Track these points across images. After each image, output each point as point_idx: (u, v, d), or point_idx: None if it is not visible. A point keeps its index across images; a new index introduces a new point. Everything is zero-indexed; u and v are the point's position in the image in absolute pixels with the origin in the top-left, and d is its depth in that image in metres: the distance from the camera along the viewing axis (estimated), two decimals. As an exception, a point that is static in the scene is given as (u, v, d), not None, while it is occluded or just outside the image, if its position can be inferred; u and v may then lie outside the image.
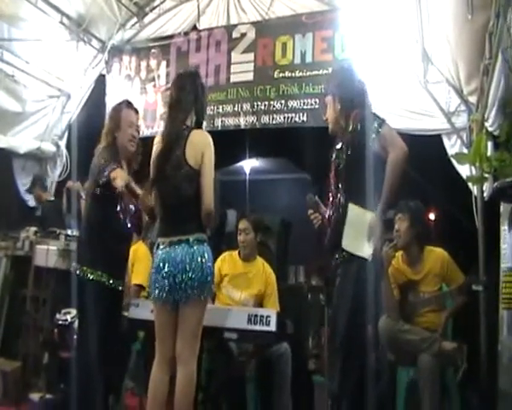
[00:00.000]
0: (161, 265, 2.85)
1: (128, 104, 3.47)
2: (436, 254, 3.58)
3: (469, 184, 3.58)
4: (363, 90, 2.95)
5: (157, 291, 2.84)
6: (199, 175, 2.83)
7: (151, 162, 2.95)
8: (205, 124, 4.79)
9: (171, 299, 2.81)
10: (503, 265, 3.13)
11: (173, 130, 2.91)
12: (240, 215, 4.27)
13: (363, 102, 2.89)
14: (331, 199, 2.93)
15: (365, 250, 2.71)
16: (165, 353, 2.85)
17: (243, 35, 4.89)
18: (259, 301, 3.94)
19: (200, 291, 2.80)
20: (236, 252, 4.13)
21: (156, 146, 2.98)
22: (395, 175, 2.69)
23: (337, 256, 2.83)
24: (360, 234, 2.71)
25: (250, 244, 4.05)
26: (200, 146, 2.86)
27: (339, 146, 2.89)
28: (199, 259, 2.81)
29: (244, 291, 3.95)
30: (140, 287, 4.05)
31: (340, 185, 2.85)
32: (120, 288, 3.28)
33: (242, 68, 4.86)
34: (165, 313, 2.87)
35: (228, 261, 4.12)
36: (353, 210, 2.75)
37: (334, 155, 2.92)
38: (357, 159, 2.74)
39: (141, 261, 4.13)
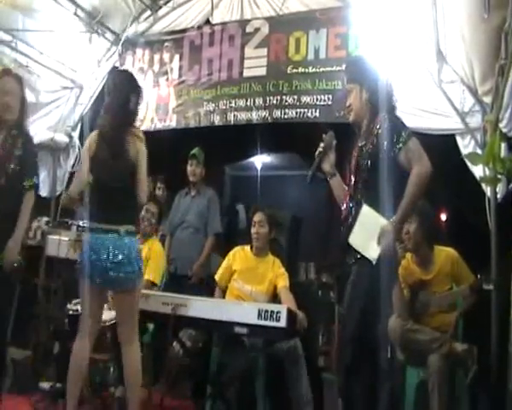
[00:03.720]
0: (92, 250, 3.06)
1: (5, 72, 3.55)
2: (446, 254, 3.58)
3: (483, 185, 3.58)
4: (393, 94, 2.92)
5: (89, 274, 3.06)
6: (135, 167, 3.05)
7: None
8: (218, 118, 4.96)
9: (100, 284, 3.07)
10: (516, 266, 3.12)
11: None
12: (255, 208, 4.22)
13: (392, 107, 2.86)
14: (349, 195, 2.89)
15: (371, 252, 2.68)
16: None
17: (257, 30, 4.90)
18: (270, 296, 3.95)
19: (131, 282, 3.05)
20: (249, 247, 4.14)
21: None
22: (417, 190, 2.66)
23: (352, 254, 2.78)
24: (369, 235, 2.68)
25: (263, 237, 4.05)
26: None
27: (362, 143, 2.84)
28: (127, 251, 3.02)
29: (255, 286, 3.97)
30: (152, 283, 4.10)
31: (360, 183, 2.81)
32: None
33: (255, 63, 4.87)
34: (94, 294, 3.13)
35: (239, 256, 4.13)
36: (366, 211, 2.72)
37: (356, 152, 2.87)
38: (380, 163, 2.69)
39: (155, 259, 4.21)
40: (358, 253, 2.74)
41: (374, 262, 2.66)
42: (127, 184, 3.06)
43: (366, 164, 2.78)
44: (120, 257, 3.00)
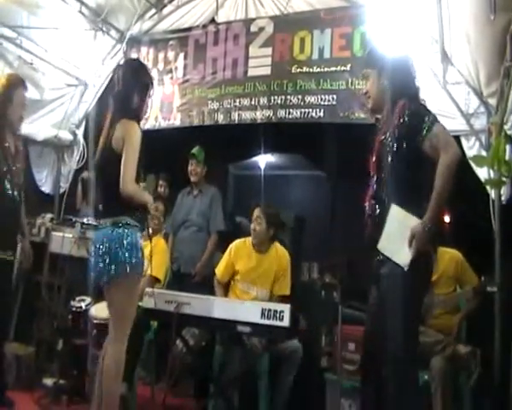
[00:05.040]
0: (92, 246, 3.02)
1: (23, 83, 3.69)
2: (450, 256, 3.59)
3: (487, 187, 3.58)
4: (416, 78, 2.73)
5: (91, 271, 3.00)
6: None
7: None
8: (222, 117, 4.96)
9: (98, 279, 2.96)
10: (519, 269, 3.13)
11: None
12: (255, 204, 4.18)
13: (414, 92, 2.68)
14: (372, 192, 2.70)
15: (403, 257, 2.47)
16: None
17: (261, 29, 4.88)
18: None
19: (116, 273, 2.85)
20: (250, 240, 4.11)
21: None
22: (447, 181, 2.42)
23: (381, 254, 2.60)
24: (399, 239, 2.47)
25: (260, 235, 4.02)
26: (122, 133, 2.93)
27: (384, 136, 2.65)
28: (114, 242, 2.87)
29: (259, 287, 3.97)
30: (155, 279, 4.11)
31: (383, 180, 2.62)
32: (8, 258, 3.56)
33: (260, 62, 4.86)
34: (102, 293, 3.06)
35: (241, 252, 4.09)
36: (395, 212, 2.53)
37: (377, 146, 2.69)
38: (402, 155, 2.53)
39: (158, 255, 4.20)
40: (389, 259, 2.55)
41: (405, 268, 2.45)
42: (113, 175, 2.86)
43: (389, 158, 2.58)
44: (100, 250, 2.88)
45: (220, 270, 4.13)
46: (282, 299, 3.83)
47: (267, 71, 4.82)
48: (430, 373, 3.21)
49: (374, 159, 2.70)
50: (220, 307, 3.36)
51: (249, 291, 3.98)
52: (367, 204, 2.72)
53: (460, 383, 3.27)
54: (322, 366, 3.91)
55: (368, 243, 2.67)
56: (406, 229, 2.46)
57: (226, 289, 4.12)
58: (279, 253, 4.06)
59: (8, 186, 3.56)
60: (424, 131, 2.48)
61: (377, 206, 2.64)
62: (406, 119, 2.53)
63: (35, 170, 5.49)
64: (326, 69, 4.54)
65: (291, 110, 4.67)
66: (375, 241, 2.60)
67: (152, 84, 3.17)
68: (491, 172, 3.40)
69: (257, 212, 4.04)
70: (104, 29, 5.24)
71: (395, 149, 2.56)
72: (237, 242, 4.19)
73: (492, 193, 3.61)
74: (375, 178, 2.68)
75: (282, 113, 4.71)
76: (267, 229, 4.01)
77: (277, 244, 4.10)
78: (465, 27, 3.62)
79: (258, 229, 4.01)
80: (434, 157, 2.47)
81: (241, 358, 3.67)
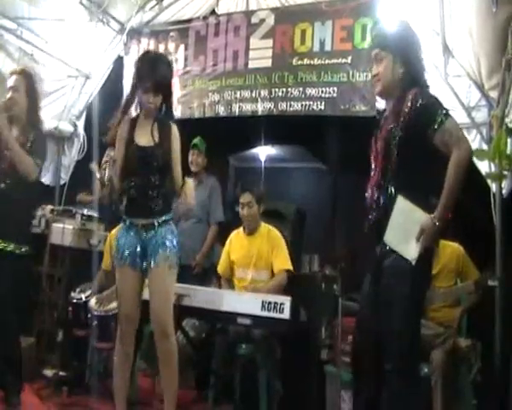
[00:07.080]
0: None
1: (13, 72, 3.60)
2: (451, 249, 3.59)
3: (488, 181, 3.58)
4: (425, 66, 2.60)
5: None
6: None
7: None
8: (222, 109, 4.95)
9: None
10: (520, 263, 3.14)
11: None
12: (241, 189, 4.15)
13: (426, 80, 2.56)
14: (375, 181, 2.58)
15: (410, 252, 2.38)
16: None
17: (262, 21, 4.86)
18: (271, 270, 3.94)
19: None
20: (242, 229, 4.12)
21: None
22: (458, 177, 2.33)
23: (383, 246, 2.50)
24: (406, 232, 2.38)
25: (254, 217, 4.02)
26: None
27: (392, 125, 2.50)
28: None
29: (254, 269, 3.95)
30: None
31: (389, 170, 2.49)
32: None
33: (261, 54, 4.84)
34: None
35: (235, 242, 4.12)
36: (402, 204, 2.42)
37: (384, 134, 2.54)
38: (411, 146, 2.42)
39: None
40: (395, 252, 2.45)
41: (413, 262, 2.37)
42: None
43: (396, 148, 2.46)
44: None
45: (221, 264, 4.14)
46: (284, 274, 3.86)
47: (268, 63, 4.81)
48: (430, 366, 3.21)
49: (379, 147, 2.57)
50: (220, 299, 3.37)
51: (246, 276, 3.96)
52: (369, 193, 2.61)
53: (460, 376, 3.27)
54: (322, 358, 3.93)
55: (369, 234, 2.59)
56: (413, 222, 2.37)
57: (231, 283, 4.12)
58: (270, 232, 4.05)
59: None
60: (436, 125, 2.37)
61: (381, 196, 2.53)
62: (419, 109, 2.41)
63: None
64: (327, 61, 4.53)
65: (292, 102, 4.66)
66: (378, 232, 2.51)
67: (136, 76, 3.06)
68: (492, 165, 3.40)
69: (247, 197, 4.00)
70: (104, 20, 5.22)
71: (404, 138, 2.45)
72: (232, 234, 4.20)
73: (493, 186, 3.61)
74: (379, 167, 2.56)
75: (282, 105, 4.70)
76: (258, 209, 4.03)
77: (265, 224, 4.10)
78: (467, 20, 3.61)
79: (252, 213, 3.99)
80: (444, 151, 2.39)
81: (241, 349, 3.67)
